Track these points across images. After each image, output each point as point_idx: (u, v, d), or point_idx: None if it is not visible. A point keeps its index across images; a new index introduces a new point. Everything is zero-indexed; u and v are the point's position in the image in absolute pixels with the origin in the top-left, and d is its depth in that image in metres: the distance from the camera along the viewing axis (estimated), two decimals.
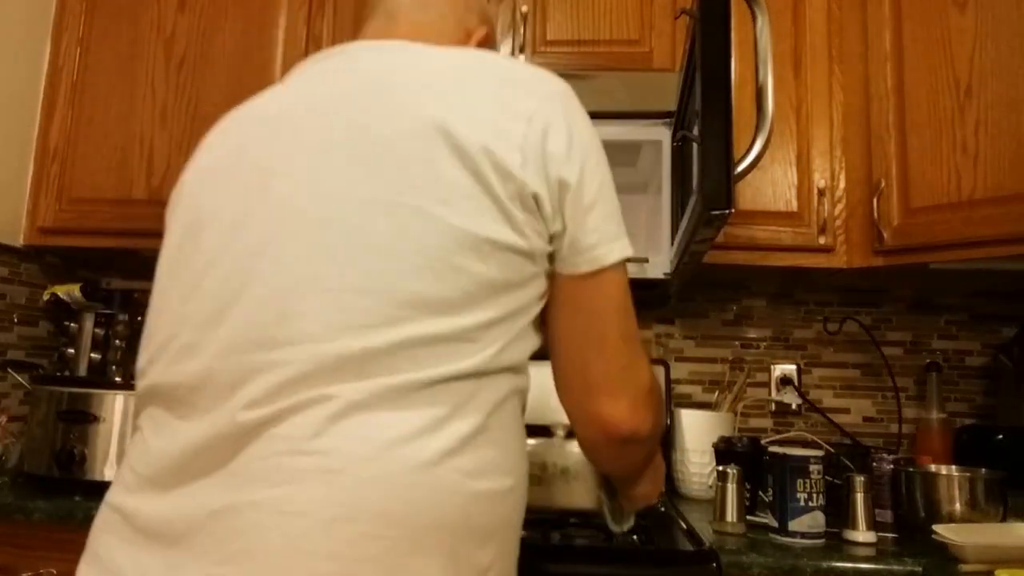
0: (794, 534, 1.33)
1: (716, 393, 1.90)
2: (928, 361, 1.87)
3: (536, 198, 0.74)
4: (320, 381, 0.67)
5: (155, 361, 0.76)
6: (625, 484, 0.98)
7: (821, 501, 1.34)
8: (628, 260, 0.81)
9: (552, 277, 0.79)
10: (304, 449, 0.65)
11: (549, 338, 0.82)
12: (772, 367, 1.94)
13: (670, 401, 1.82)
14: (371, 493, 0.65)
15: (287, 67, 1.82)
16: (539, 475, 1.23)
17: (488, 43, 0.98)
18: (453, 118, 0.72)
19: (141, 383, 0.78)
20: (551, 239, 0.77)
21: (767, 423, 1.93)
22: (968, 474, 1.38)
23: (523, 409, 0.81)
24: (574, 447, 1.24)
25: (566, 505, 1.24)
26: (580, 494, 1.24)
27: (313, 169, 0.73)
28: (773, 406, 1.93)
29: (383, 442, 0.66)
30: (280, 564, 0.63)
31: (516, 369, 0.77)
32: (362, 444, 0.66)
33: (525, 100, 0.76)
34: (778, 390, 1.93)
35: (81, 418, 1.51)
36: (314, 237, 0.71)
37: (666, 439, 1.75)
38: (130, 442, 0.79)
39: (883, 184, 1.58)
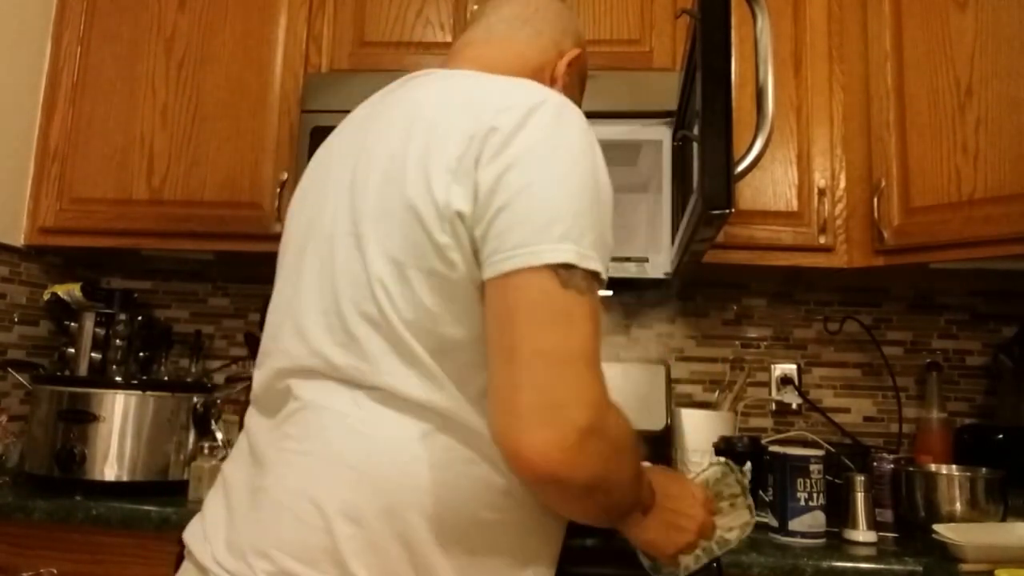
0: (794, 533, 1.33)
1: (716, 393, 1.90)
2: (928, 361, 1.87)
3: (460, 216, 0.74)
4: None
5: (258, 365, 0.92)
6: (620, 527, 0.86)
7: (821, 500, 1.34)
8: (562, 267, 0.70)
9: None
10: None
11: None
12: (772, 367, 1.94)
13: (670, 401, 1.82)
14: None
15: (287, 66, 1.82)
16: None
17: (579, 63, 1.03)
18: (404, 153, 0.79)
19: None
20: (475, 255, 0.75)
21: (767, 423, 1.93)
22: (968, 474, 1.38)
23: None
24: None
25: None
26: None
27: (333, 197, 0.86)
28: (773, 406, 1.93)
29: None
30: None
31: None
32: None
33: (476, 118, 0.76)
34: (778, 390, 1.93)
35: (81, 418, 1.51)
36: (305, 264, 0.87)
37: (667, 439, 1.75)
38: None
39: (883, 184, 1.58)
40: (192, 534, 0.85)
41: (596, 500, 0.73)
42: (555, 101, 0.78)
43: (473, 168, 0.74)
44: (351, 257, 0.79)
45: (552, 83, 0.98)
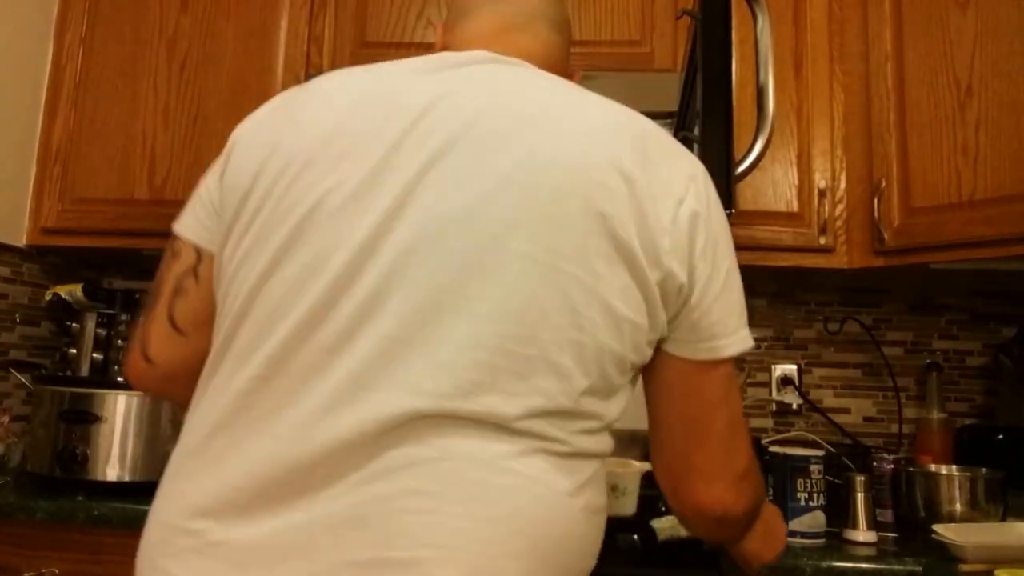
0: (794, 534, 1.33)
1: None
2: (928, 361, 1.87)
3: (680, 288, 0.72)
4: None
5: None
6: (730, 544, 0.93)
7: (822, 501, 1.35)
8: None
9: (659, 356, 0.77)
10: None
11: (652, 415, 0.81)
12: (773, 367, 1.94)
13: None
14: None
15: (289, 67, 1.82)
16: None
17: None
18: (609, 186, 0.69)
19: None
20: (670, 322, 0.74)
21: (768, 423, 1.93)
22: (968, 474, 1.38)
23: None
24: (624, 467, 1.34)
25: (616, 514, 1.27)
26: (627, 504, 1.30)
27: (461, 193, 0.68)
28: (774, 406, 1.93)
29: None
30: None
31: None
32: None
33: (675, 180, 0.73)
34: (779, 390, 1.93)
35: (83, 418, 1.51)
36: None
37: None
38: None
39: (884, 184, 1.58)
40: None
41: (742, 524, 0.85)
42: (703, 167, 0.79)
43: (687, 242, 0.71)
44: (545, 293, 0.66)
45: None
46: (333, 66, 1.81)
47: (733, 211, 1.09)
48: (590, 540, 0.73)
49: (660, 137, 0.76)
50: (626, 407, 0.77)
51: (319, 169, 0.70)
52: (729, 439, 0.79)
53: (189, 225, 0.83)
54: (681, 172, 0.74)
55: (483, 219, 0.67)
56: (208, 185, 0.83)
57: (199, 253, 0.81)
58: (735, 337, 0.77)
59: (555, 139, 0.70)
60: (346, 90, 0.76)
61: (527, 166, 0.68)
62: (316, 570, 0.62)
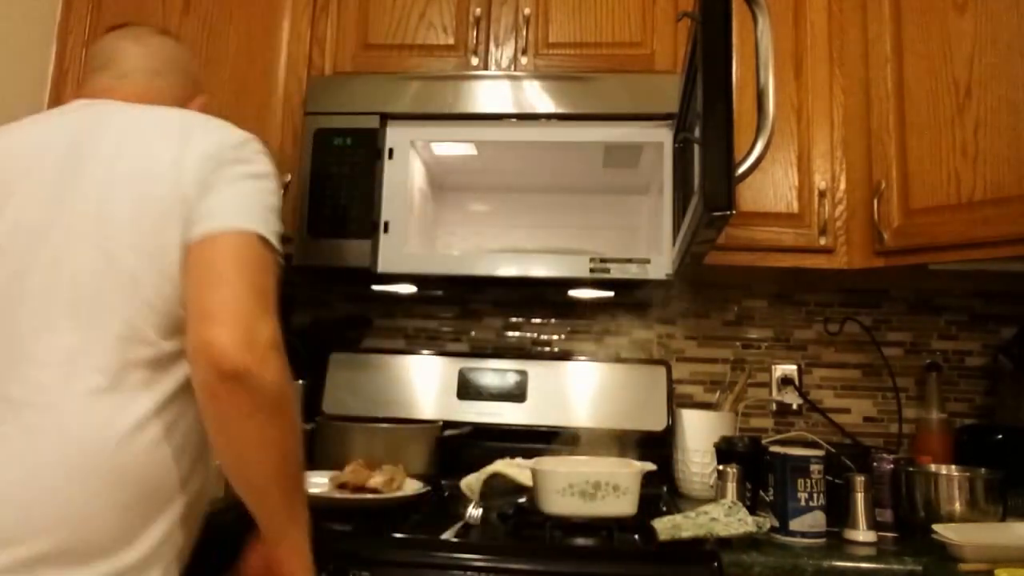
0: (795, 533, 1.34)
1: (717, 393, 1.91)
2: (928, 361, 1.87)
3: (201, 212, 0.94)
4: None
5: None
6: (281, 533, 0.95)
7: (822, 501, 1.35)
8: (258, 237, 0.93)
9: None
10: None
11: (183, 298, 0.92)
12: (773, 367, 1.95)
13: (671, 401, 1.83)
14: None
15: (291, 69, 1.83)
16: (592, 492, 1.29)
17: (205, 108, 1.20)
18: (145, 162, 0.96)
19: None
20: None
21: (768, 423, 1.94)
22: (968, 474, 1.38)
23: None
24: (623, 467, 1.36)
25: (616, 513, 1.30)
26: (627, 504, 1.30)
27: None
28: (774, 406, 1.94)
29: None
30: None
31: None
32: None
33: (199, 145, 0.99)
34: (779, 390, 1.93)
35: None
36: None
37: (668, 439, 1.76)
38: None
39: (883, 185, 1.59)
40: None
41: (278, 423, 0.88)
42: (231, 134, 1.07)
43: (202, 176, 0.97)
44: (93, 260, 0.91)
45: None
46: (335, 68, 1.82)
47: (733, 212, 1.10)
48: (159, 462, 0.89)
49: (194, 122, 1.02)
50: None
51: None
52: (250, 298, 0.87)
53: None
54: (206, 139, 0.99)
55: (48, 229, 0.92)
56: None
57: None
58: (232, 219, 0.93)
59: (115, 151, 0.97)
60: None
61: (90, 177, 0.95)
62: None
